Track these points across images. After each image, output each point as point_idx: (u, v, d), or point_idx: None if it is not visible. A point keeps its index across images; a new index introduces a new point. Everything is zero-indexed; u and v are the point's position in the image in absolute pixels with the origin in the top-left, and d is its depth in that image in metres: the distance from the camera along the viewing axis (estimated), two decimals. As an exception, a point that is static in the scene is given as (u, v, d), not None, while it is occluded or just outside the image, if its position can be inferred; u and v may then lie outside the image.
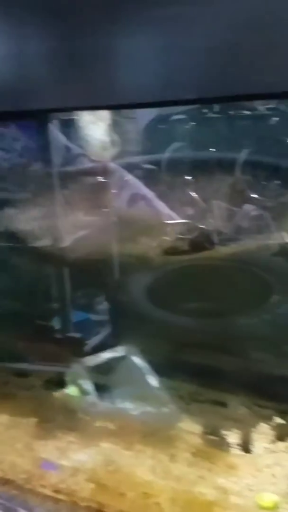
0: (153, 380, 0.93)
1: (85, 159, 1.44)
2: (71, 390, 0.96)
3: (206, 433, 0.84)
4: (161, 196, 1.84)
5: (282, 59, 0.61)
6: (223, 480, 0.78)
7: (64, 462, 0.85)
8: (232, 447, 0.83)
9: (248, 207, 1.78)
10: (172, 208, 1.81)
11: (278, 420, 0.87)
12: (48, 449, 0.89)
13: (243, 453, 0.83)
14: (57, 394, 0.98)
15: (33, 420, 0.94)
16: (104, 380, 0.96)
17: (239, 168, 1.96)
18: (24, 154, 1.31)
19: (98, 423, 0.90)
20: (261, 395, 0.88)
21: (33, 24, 0.73)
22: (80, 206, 1.47)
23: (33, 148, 1.31)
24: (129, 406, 0.92)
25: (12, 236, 1.28)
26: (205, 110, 2.10)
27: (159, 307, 1.17)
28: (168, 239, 1.67)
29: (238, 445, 0.84)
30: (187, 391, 0.92)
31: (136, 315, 1.18)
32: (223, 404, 0.89)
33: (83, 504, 0.78)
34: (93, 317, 1.40)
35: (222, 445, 0.83)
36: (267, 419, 0.86)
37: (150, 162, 1.97)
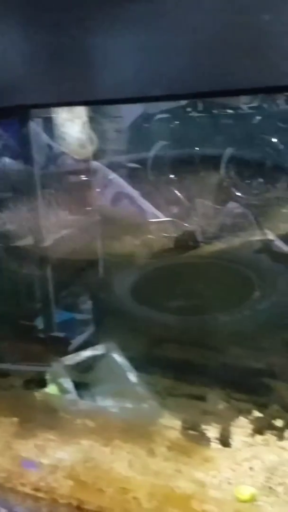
0: (133, 377, 0.93)
1: (67, 158, 1.44)
2: (51, 389, 0.95)
3: (184, 427, 0.84)
4: (146, 195, 1.85)
5: (253, 56, 0.62)
6: (202, 474, 0.79)
7: (43, 460, 0.85)
8: (210, 441, 0.84)
9: (232, 205, 1.79)
10: (156, 206, 1.82)
11: (256, 413, 0.87)
12: (27, 447, 0.88)
13: (221, 447, 0.83)
14: (37, 393, 0.97)
15: (13, 420, 0.94)
16: (85, 378, 0.96)
17: (223, 166, 1.97)
18: (4, 152, 1.31)
19: (77, 421, 0.90)
20: (239, 389, 0.89)
21: (12, 21, 0.73)
22: (63, 205, 1.47)
23: (14, 146, 1.30)
24: (109, 403, 0.92)
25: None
26: (189, 109, 2.11)
27: (142, 305, 1.17)
28: (152, 238, 1.68)
29: (216, 439, 0.84)
30: (163, 385, 0.92)
31: (118, 313, 1.18)
32: (201, 398, 0.89)
33: (62, 501, 0.78)
34: (77, 316, 1.40)
35: (201, 439, 0.83)
36: (245, 412, 0.87)
37: (135, 161, 1.98)
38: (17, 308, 1.33)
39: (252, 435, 0.85)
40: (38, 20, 0.71)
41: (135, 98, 0.76)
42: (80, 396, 0.94)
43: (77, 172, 1.51)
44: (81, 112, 1.16)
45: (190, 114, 2.15)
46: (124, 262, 1.43)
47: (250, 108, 2.11)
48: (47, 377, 0.97)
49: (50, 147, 1.41)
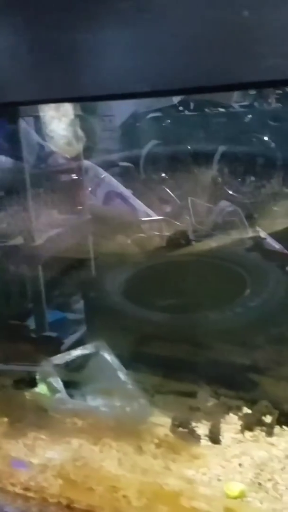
0: (123, 375, 0.93)
1: (58, 157, 1.43)
2: (40, 389, 0.95)
3: (174, 425, 0.84)
4: (138, 194, 1.84)
5: (236, 52, 0.62)
6: (191, 471, 0.78)
7: (33, 460, 0.85)
8: (200, 438, 0.84)
9: (223, 203, 1.80)
10: (148, 205, 1.82)
11: (245, 410, 0.87)
12: (17, 447, 0.88)
13: (210, 444, 0.83)
14: (27, 393, 0.97)
15: (2, 420, 0.93)
16: (74, 377, 0.96)
17: (215, 165, 1.97)
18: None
19: (67, 420, 0.89)
20: (228, 385, 0.89)
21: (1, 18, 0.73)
22: (54, 204, 1.46)
23: (3, 145, 1.30)
24: (99, 402, 0.91)
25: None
26: (180, 108, 2.11)
27: (133, 303, 1.17)
28: (144, 236, 1.68)
29: (206, 436, 0.84)
30: (153, 383, 0.92)
31: (109, 311, 1.18)
32: (191, 396, 0.89)
33: (52, 500, 0.78)
34: (68, 315, 1.39)
35: (190, 436, 0.83)
36: (234, 409, 0.87)
37: (127, 160, 1.98)
38: (7, 307, 1.33)
39: (242, 432, 0.85)
40: (22, 17, 0.71)
41: (120, 95, 0.76)
42: (70, 395, 0.93)
43: (68, 171, 1.51)
44: (68, 110, 1.16)
45: (182, 113, 2.16)
46: (115, 261, 1.43)
47: (242, 106, 2.11)
48: (37, 376, 0.97)
49: (40, 145, 1.40)
